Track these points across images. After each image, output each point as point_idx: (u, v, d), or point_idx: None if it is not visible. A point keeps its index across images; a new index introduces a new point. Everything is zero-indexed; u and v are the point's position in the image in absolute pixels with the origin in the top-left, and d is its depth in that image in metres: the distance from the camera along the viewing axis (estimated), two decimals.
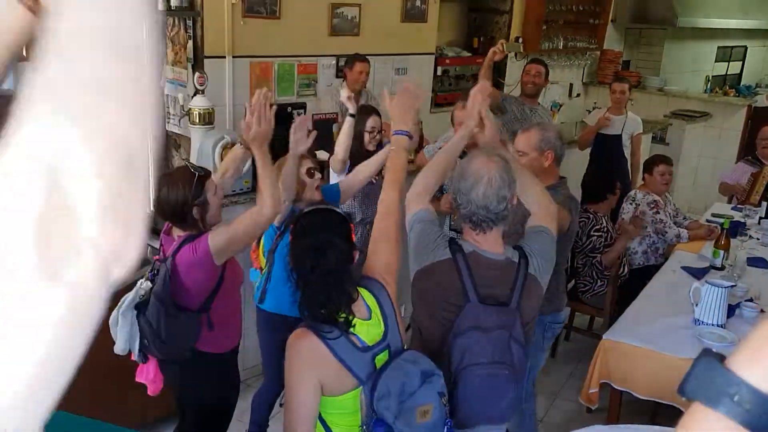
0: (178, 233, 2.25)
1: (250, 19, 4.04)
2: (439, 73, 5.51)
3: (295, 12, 4.27)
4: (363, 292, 1.78)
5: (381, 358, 1.73)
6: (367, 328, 1.74)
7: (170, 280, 2.14)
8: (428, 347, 1.87)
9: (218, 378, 2.40)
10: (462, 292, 1.83)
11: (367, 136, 3.29)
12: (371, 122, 3.31)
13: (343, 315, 1.70)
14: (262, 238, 2.73)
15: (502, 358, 1.80)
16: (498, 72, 5.56)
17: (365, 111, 3.36)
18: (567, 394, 3.72)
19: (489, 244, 1.89)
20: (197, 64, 3.83)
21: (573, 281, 4.09)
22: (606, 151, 5.15)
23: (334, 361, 1.66)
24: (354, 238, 1.88)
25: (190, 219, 2.20)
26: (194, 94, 3.47)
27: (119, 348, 2.19)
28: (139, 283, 2.21)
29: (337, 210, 1.88)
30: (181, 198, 2.17)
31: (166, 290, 2.14)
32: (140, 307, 2.18)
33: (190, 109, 3.38)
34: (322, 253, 1.70)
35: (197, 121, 3.28)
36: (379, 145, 3.26)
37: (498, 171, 1.84)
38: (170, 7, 3.62)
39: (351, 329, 1.71)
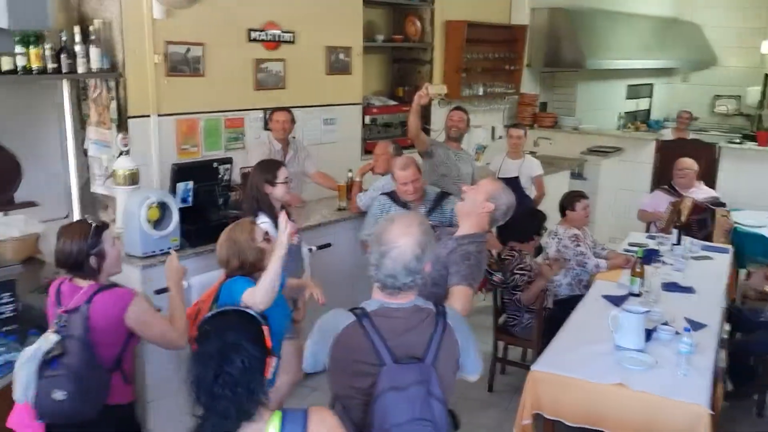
0: (87, 283, 2.30)
1: (174, 78, 4.09)
2: (367, 121, 5.69)
3: (219, 69, 4.35)
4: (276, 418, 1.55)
5: None
6: None
7: (89, 327, 2.17)
8: (352, 418, 1.83)
9: (131, 429, 2.42)
10: (374, 354, 1.78)
11: (282, 188, 3.31)
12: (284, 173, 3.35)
13: None
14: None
15: (423, 414, 1.75)
16: (424, 118, 5.77)
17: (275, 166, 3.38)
18: (506, 428, 3.79)
19: (397, 300, 1.88)
20: (121, 124, 3.83)
21: (503, 316, 4.22)
22: None
23: None
24: (269, 344, 1.62)
25: (87, 268, 2.28)
26: (119, 155, 3.47)
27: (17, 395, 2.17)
28: (43, 336, 2.18)
29: (249, 311, 1.73)
30: (77, 248, 2.26)
31: (86, 338, 2.16)
32: (49, 362, 2.13)
33: (114, 170, 3.37)
34: (228, 359, 1.48)
35: (122, 182, 3.27)
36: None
37: (411, 245, 1.82)
38: (90, 69, 3.62)
39: None
